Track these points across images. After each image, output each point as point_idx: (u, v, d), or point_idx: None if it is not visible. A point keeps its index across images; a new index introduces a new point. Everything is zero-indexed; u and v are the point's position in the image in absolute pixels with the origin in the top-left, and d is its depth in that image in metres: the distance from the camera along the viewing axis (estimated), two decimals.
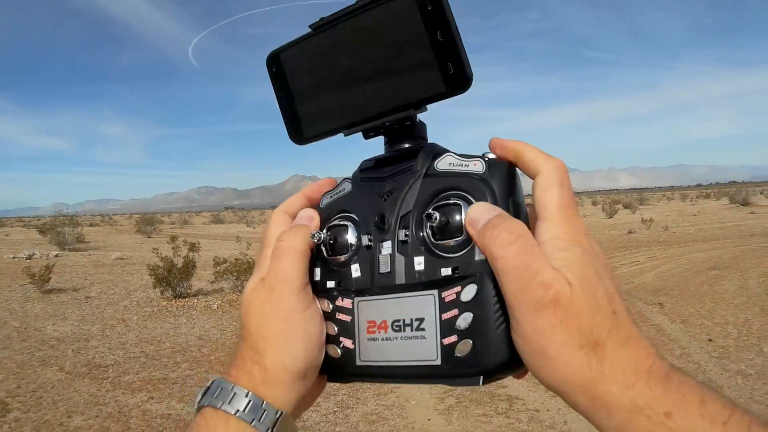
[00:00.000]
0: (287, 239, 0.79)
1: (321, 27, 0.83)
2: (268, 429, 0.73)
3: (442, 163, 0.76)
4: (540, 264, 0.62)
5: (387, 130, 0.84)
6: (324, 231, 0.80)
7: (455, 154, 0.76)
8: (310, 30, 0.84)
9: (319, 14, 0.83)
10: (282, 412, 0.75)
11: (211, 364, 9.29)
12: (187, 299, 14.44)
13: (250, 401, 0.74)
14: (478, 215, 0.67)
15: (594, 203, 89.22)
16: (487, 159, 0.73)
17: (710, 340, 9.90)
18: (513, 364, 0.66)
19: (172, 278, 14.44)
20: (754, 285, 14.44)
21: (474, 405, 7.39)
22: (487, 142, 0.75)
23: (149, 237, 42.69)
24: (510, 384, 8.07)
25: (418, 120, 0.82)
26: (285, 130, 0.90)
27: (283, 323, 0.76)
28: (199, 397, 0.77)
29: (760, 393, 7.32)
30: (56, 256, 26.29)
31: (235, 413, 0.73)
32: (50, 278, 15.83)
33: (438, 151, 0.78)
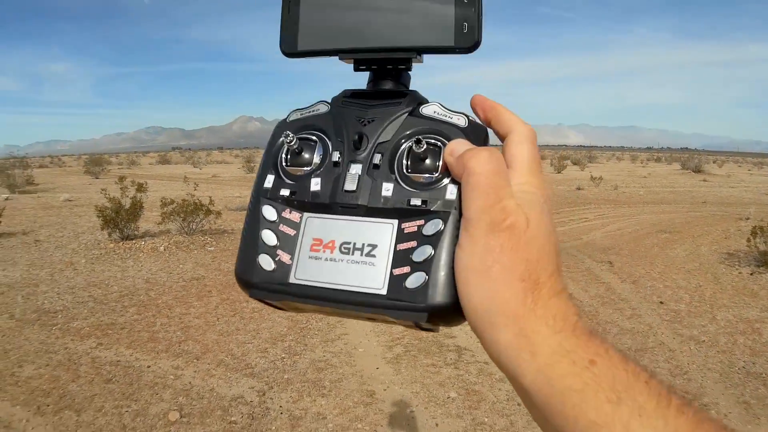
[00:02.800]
0: None
1: None
2: None
3: (428, 110, 0.77)
4: (507, 192, 0.64)
5: (380, 67, 0.83)
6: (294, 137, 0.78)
7: (441, 104, 0.77)
8: None
9: None
10: None
11: (159, 308, 9.34)
12: (134, 241, 14.34)
13: None
14: (458, 146, 0.69)
15: (542, 158, 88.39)
16: (469, 117, 0.75)
17: (661, 302, 9.96)
18: (459, 309, 0.65)
19: (120, 220, 14.26)
20: (706, 252, 14.42)
21: (423, 355, 7.42)
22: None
23: (97, 178, 41.79)
24: (458, 334, 8.11)
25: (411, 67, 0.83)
26: (279, 38, 0.85)
27: None
28: None
29: (714, 361, 7.35)
30: (6, 199, 25.78)
31: None
32: (0, 222, 15.61)
33: (424, 100, 0.79)
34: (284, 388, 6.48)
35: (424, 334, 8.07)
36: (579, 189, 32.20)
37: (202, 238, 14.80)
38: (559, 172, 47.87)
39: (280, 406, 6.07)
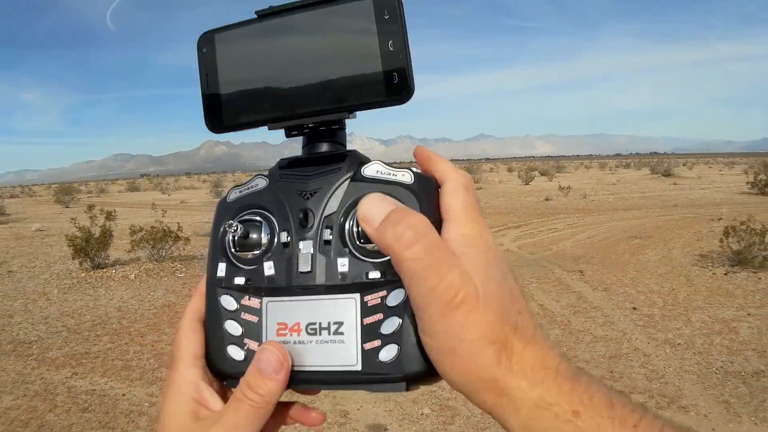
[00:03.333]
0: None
1: (269, 15, 0.79)
2: None
3: (370, 170, 0.75)
4: (447, 264, 0.61)
5: (312, 131, 0.81)
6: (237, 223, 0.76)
7: (383, 162, 0.75)
8: (255, 16, 0.79)
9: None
10: None
11: (131, 336, 9.29)
12: (105, 270, 14.31)
13: None
14: (372, 211, 0.65)
15: (510, 170, 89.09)
16: (414, 171, 0.73)
17: (634, 308, 9.93)
18: (435, 371, 0.65)
19: (90, 249, 14.24)
20: (679, 255, 14.40)
21: None
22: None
23: (68, 207, 41.63)
24: None
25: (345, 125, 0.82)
26: (202, 114, 0.82)
27: None
28: None
29: (690, 363, 7.34)
30: None
31: None
32: None
33: (365, 159, 0.77)
34: None
35: None
36: (547, 200, 32.28)
37: (172, 265, 14.73)
38: (527, 184, 48.04)
39: None
